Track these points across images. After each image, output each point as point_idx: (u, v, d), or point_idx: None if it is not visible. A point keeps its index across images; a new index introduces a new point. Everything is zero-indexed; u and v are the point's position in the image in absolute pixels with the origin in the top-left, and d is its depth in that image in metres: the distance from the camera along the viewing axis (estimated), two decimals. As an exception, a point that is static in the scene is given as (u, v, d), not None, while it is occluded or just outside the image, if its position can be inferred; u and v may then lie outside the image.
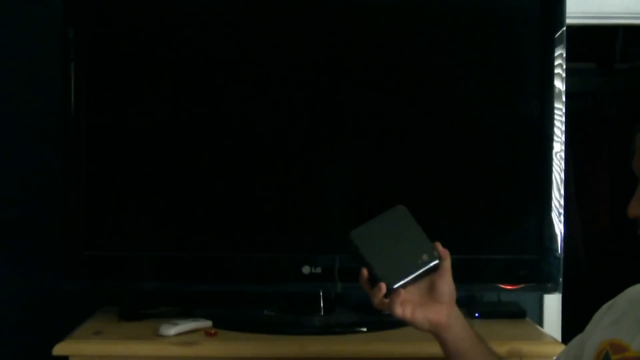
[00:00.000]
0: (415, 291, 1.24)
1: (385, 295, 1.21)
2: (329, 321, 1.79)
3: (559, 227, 1.74)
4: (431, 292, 1.24)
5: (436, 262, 1.23)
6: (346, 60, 1.78)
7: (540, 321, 2.07)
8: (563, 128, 1.74)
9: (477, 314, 1.85)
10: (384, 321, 1.79)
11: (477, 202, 1.78)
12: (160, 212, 1.79)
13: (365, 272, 1.23)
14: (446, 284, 1.24)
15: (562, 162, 1.74)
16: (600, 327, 1.21)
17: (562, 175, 1.74)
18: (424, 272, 1.23)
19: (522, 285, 1.76)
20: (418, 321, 1.23)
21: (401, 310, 1.21)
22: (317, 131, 1.79)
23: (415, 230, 1.25)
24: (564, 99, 1.74)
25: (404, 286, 1.22)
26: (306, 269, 1.74)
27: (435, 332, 1.25)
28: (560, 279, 1.74)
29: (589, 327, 1.26)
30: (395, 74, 1.78)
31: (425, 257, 1.23)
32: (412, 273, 1.22)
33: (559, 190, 1.74)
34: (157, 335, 1.64)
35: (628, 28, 3.10)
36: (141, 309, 1.84)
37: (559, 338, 2.00)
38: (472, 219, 1.78)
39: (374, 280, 1.22)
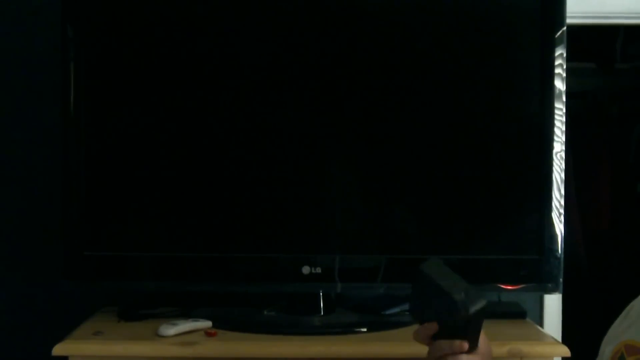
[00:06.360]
0: None
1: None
2: (329, 321, 1.79)
3: (559, 227, 1.73)
4: None
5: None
6: (345, 60, 1.77)
7: (540, 321, 2.07)
8: (563, 128, 1.74)
9: (477, 314, 1.85)
10: (384, 321, 1.79)
11: (478, 202, 1.78)
12: (160, 213, 1.78)
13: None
14: None
15: (562, 162, 1.74)
16: (617, 332, 1.21)
17: (562, 175, 1.74)
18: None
19: (522, 286, 1.76)
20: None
21: None
22: (317, 131, 1.79)
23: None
24: (564, 99, 1.74)
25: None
26: (306, 269, 1.74)
27: None
28: (561, 279, 1.73)
29: (606, 338, 1.25)
30: (394, 74, 1.78)
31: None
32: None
33: (559, 190, 1.73)
34: (156, 336, 1.64)
35: (628, 28, 3.10)
36: (141, 309, 1.84)
37: (559, 338, 2.00)
38: (473, 219, 1.78)
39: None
